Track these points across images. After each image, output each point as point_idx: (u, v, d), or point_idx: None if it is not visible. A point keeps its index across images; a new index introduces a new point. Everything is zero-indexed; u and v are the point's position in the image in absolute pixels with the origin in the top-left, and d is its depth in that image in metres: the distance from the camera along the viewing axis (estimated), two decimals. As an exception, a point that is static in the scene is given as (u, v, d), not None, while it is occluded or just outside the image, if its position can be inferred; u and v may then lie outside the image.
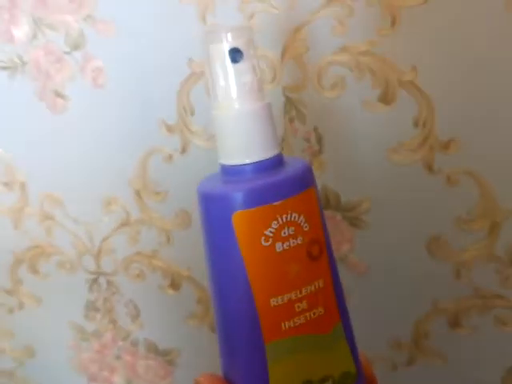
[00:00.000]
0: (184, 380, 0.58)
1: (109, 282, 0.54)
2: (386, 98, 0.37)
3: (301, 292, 0.25)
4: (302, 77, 0.38)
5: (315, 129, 0.39)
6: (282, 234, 0.24)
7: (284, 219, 0.24)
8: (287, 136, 0.40)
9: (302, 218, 0.25)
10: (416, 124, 0.37)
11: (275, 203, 0.24)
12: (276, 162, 0.26)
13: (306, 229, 0.25)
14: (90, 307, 0.57)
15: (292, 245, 0.25)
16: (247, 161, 0.25)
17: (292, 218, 0.25)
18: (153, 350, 0.57)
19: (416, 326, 0.44)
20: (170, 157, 0.44)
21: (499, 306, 0.41)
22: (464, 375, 0.45)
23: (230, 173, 0.26)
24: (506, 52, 0.34)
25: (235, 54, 0.25)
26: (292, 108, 0.39)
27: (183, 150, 0.44)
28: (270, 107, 0.26)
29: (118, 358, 0.60)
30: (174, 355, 0.56)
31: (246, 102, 0.25)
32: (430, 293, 0.43)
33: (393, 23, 0.35)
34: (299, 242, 0.25)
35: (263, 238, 0.24)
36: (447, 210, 0.39)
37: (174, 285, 0.51)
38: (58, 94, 0.45)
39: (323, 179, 0.41)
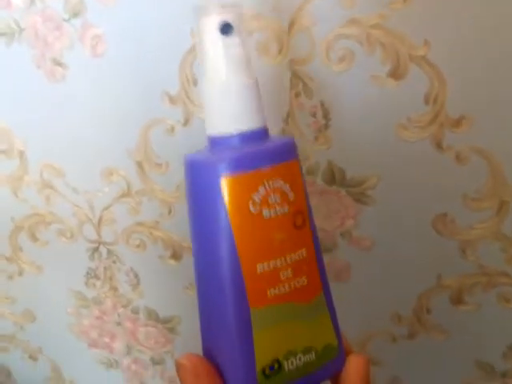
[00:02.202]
0: (184, 347, 0.59)
1: (109, 251, 0.54)
2: (396, 73, 0.36)
3: (286, 260, 0.26)
4: (310, 50, 0.37)
5: (322, 103, 0.38)
6: (269, 201, 0.25)
7: (271, 185, 0.25)
8: (293, 110, 0.39)
9: (287, 186, 0.26)
10: (427, 100, 0.36)
11: (263, 168, 0.25)
12: (262, 134, 0.27)
13: (291, 198, 0.26)
14: (91, 275, 0.57)
15: (279, 213, 0.25)
16: (234, 130, 0.26)
17: (278, 186, 0.26)
18: (153, 317, 0.57)
19: (419, 301, 0.44)
20: (172, 128, 0.43)
21: (503, 284, 0.41)
22: (465, 351, 0.46)
23: (218, 143, 0.27)
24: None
25: (225, 27, 0.25)
26: (298, 82, 0.38)
27: (185, 122, 0.43)
28: (257, 83, 0.27)
29: (119, 324, 0.60)
30: (175, 323, 0.57)
31: (234, 74, 0.26)
32: (435, 269, 0.43)
33: (405, -4, 0.33)
34: (285, 211, 0.26)
35: (251, 202, 0.25)
36: (455, 187, 0.38)
37: (175, 255, 0.51)
38: (57, 63, 0.43)
39: (328, 155, 0.40)
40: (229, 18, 0.25)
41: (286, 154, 0.27)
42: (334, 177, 0.41)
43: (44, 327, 0.65)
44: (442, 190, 0.39)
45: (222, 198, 0.25)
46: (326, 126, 0.39)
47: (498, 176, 0.37)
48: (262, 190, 0.25)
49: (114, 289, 0.57)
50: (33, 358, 0.70)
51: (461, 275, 0.42)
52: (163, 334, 0.58)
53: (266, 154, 0.26)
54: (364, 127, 0.38)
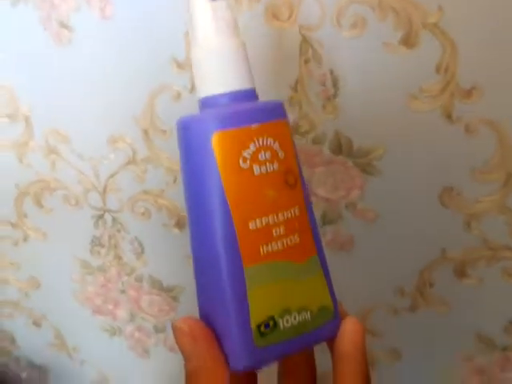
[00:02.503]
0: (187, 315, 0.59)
1: (114, 219, 0.54)
2: (408, 41, 0.35)
3: (278, 217, 0.26)
4: (321, 15, 0.36)
5: (331, 72, 0.38)
6: (260, 158, 0.26)
7: (261, 142, 0.26)
8: (302, 78, 0.39)
9: (276, 144, 0.26)
10: (438, 69, 0.35)
11: (252, 126, 0.26)
12: (250, 95, 0.27)
13: (281, 157, 0.26)
14: (96, 243, 0.57)
15: (269, 170, 0.26)
16: (223, 90, 0.27)
17: (268, 143, 0.26)
18: (157, 285, 0.58)
19: (422, 274, 0.45)
20: (179, 95, 0.43)
21: (507, 258, 0.41)
22: (466, 324, 0.46)
23: (208, 104, 0.27)
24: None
25: None
26: (308, 48, 0.38)
27: (193, 88, 0.42)
28: (244, 45, 0.28)
29: (123, 292, 0.61)
30: (178, 291, 0.57)
31: (222, 37, 0.27)
32: (439, 242, 0.43)
33: (420, -40, 0.33)
34: (275, 169, 0.26)
35: (241, 158, 0.25)
36: (463, 160, 0.38)
37: (179, 224, 0.51)
38: (63, 25, 0.43)
39: (336, 124, 0.40)
40: None
41: (275, 113, 0.27)
42: (340, 147, 0.40)
43: (48, 294, 0.66)
44: (449, 162, 0.39)
45: (212, 154, 0.25)
46: (335, 95, 0.39)
47: (506, 149, 0.36)
48: (252, 146, 0.26)
49: (119, 257, 0.57)
50: (37, 324, 0.71)
51: (465, 249, 0.42)
52: (167, 302, 0.59)
53: (256, 112, 0.26)
54: (373, 96, 0.38)
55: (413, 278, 0.45)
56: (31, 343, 0.75)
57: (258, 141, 0.26)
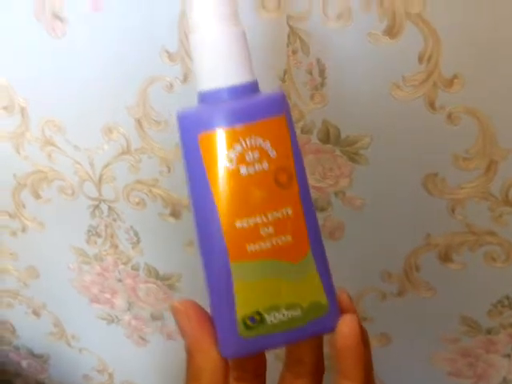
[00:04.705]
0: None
1: (110, 209, 0.55)
2: (392, 31, 0.36)
3: (267, 217, 0.26)
4: (308, 5, 0.37)
5: (318, 61, 0.39)
6: (247, 158, 0.26)
7: (248, 143, 0.25)
8: (290, 67, 0.40)
9: (267, 144, 0.26)
10: (421, 59, 0.36)
11: (238, 126, 0.25)
12: (249, 89, 0.27)
13: (272, 155, 0.26)
14: (92, 232, 0.58)
15: (257, 170, 0.26)
16: (220, 85, 0.26)
17: (256, 143, 0.26)
18: (153, 274, 0.59)
19: (408, 259, 0.46)
20: (171, 85, 0.44)
21: (490, 243, 0.42)
22: (452, 308, 0.47)
23: (205, 98, 0.27)
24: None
25: None
26: (296, 38, 0.38)
27: (185, 79, 0.43)
28: (244, 34, 0.27)
29: (119, 280, 0.62)
30: (174, 280, 0.58)
31: (220, 26, 0.26)
32: (424, 228, 0.44)
33: (403, -48, 0.33)
34: (265, 168, 0.26)
35: (227, 159, 0.25)
36: (446, 147, 0.39)
37: (175, 213, 0.52)
38: (57, 16, 0.44)
39: (324, 113, 0.41)
40: None
41: (270, 110, 0.26)
42: (328, 136, 0.41)
43: (47, 283, 0.67)
44: (433, 150, 0.39)
45: (199, 154, 0.25)
46: (322, 84, 0.40)
47: (488, 136, 0.37)
48: (237, 147, 0.25)
49: (115, 246, 0.58)
50: (36, 313, 0.72)
51: (449, 234, 0.43)
52: (163, 290, 0.60)
53: (246, 111, 0.26)
54: (359, 85, 0.39)
55: (400, 263, 0.46)
56: (31, 332, 0.76)
57: (245, 141, 0.25)
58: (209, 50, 0.26)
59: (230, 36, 0.26)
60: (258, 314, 0.27)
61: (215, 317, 0.27)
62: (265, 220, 0.26)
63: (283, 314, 0.27)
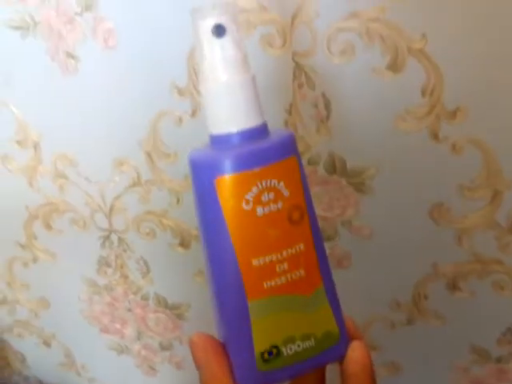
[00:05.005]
0: (192, 333, 0.60)
1: (120, 239, 0.56)
2: (394, 66, 0.37)
3: (282, 254, 0.27)
4: (312, 43, 0.38)
5: (323, 95, 0.40)
6: (263, 199, 0.26)
7: (264, 185, 0.26)
8: (296, 101, 0.41)
9: (281, 184, 0.27)
10: (424, 92, 0.37)
11: (255, 169, 0.26)
12: (260, 132, 0.27)
13: (286, 195, 0.27)
14: (102, 263, 0.59)
15: (272, 209, 0.26)
16: (232, 130, 0.27)
17: (272, 184, 0.26)
18: (163, 304, 0.59)
19: (416, 288, 0.46)
20: (181, 119, 0.45)
21: (497, 272, 0.42)
22: (461, 336, 0.47)
23: (217, 141, 0.27)
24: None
25: (218, 30, 0.26)
26: (301, 73, 0.40)
27: (193, 113, 0.44)
28: (254, 79, 0.27)
29: (129, 310, 0.62)
30: (184, 309, 0.58)
31: (230, 74, 0.27)
32: (431, 257, 0.44)
33: (404, -10, 0.35)
34: (279, 207, 0.27)
35: (244, 202, 0.26)
36: (451, 177, 0.40)
37: (184, 243, 0.53)
38: (70, 55, 0.45)
39: (330, 145, 0.41)
40: (221, 19, 0.26)
41: (282, 151, 0.27)
42: (335, 167, 0.42)
43: (58, 313, 0.67)
44: (438, 180, 0.40)
45: (216, 198, 0.26)
46: (328, 117, 0.40)
47: (492, 166, 0.38)
48: (254, 189, 0.26)
49: (125, 276, 0.59)
50: (47, 343, 0.72)
51: (456, 263, 0.43)
52: (172, 320, 0.60)
53: (261, 154, 0.26)
54: (363, 118, 0.40)
55: (408, 292, 0.46)
56: (41, 362, 0.76)
57: (261, 183, 0.26)
58: (221, 98, 0.27)
59: (241, 84, 0.27)
60: (275, 347, 0.27)
61: (232, 351, 0.28)
62: (280, 257, 0.27)
63: (298, 345, 0.28)
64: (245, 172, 0.26)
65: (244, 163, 0.26)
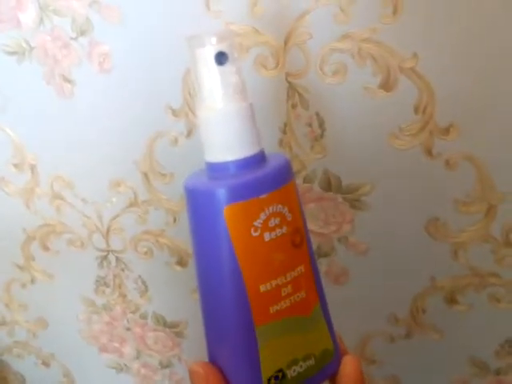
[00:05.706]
0: (191, 351, 0.60)
1: (118, 259, 0.56)
2: (386, 85, 0.37)
3: (286, 278, 0.27)
4: (305, 63, 0.39)
5: (317, 114, 0.40)
6: (270, 225, 0.26)
7: (271, 210, 0.26)
8: (290, 121, 0.41)
9: (286, 209, 0.27)
10: (416, 110, 0.38)
11: (262, 196, 0.26)
12: (258, 159, 0.28)
13: (289, 219, 0.27)
14: (100, 282, 0.59)
15: (278, 234, 0.27)
16: (231, 158, 0.27)
17: (277, 210, 0.27)
18: (161, 322, 0.59)
19: (414, 302, 0.46)
20: (176, 140, 0.45)
21: (494, 284, 0.43)
22: (460, 349, 0.47)
23: (216, 169, 0.27)
24: (505, 41, 0.34)
25: (221, 57, 0.26)
26: (295, 93, 0.40)
27: (188, 134, 0.45)
28: (252, 107, 0.27)
29: (128, 329, 0.62)
30: (182, 327, 0.58)
31: (230, 102, 0.27)
32: (428, 271, 0.44)
33: (394, 11, 0.35)
34: (284, 232, 0.27)
35: (253, 228, 0.26)
36: (445, 193, 0.40)
37: (181, 261, 0.53)
38: (66, 79, 0.46)
39: (325, 163, 0.42)
40: (223, 47, 0.26)
41: (283, 177, 0.27)
42: (330, 184, 0.43)
43: (56, 333, 0.67)
44: (433, 195, 0.41)
45: (225, 226, 0.26)
46: (322, 136, 0.41)
47: (485, 181, 0.38)
48: (262, 215, 0.26)
49: (123, 295, 0.59)
50: (46, 364, 0.72)
51: (453, 276, 0.43)
52: (171, 338, 0.60)
53: (265, 181, 0.27)
54: (357, 136, 0.40)
55: (406, 306, 0.46)
56: (41, 383, 0.75)
57: (268, 209, 0.26)
58: (221, 126, 0.27)
59: (239, 113, 0.27)
60: (281, 371, 0.28)
61: (237, 379, 0.28)
62: (284, 281, 0.27)
63: (300, 366, 0.28)
64: (253, 199, 0.26)
65: (251, 190, 0.26)
